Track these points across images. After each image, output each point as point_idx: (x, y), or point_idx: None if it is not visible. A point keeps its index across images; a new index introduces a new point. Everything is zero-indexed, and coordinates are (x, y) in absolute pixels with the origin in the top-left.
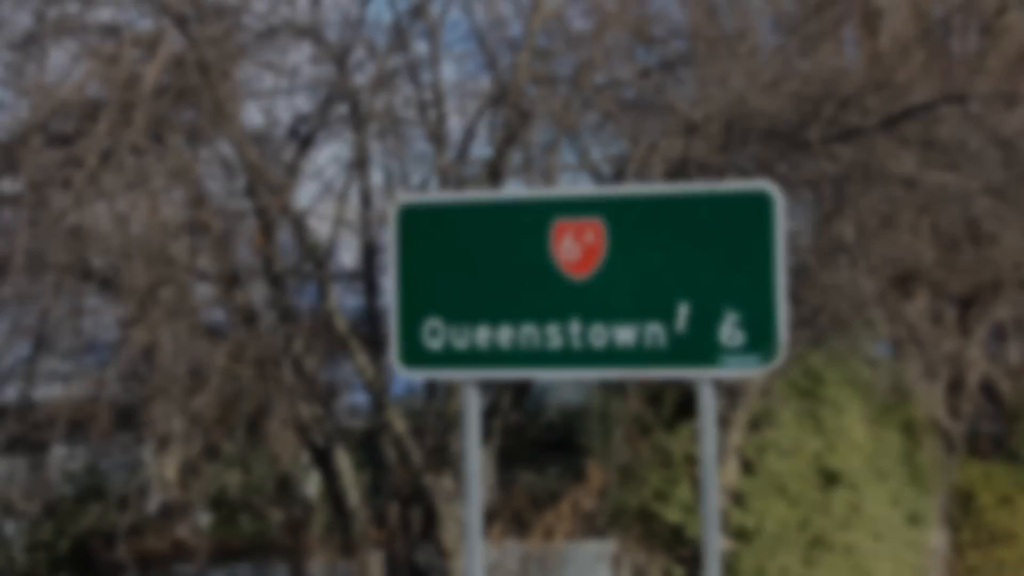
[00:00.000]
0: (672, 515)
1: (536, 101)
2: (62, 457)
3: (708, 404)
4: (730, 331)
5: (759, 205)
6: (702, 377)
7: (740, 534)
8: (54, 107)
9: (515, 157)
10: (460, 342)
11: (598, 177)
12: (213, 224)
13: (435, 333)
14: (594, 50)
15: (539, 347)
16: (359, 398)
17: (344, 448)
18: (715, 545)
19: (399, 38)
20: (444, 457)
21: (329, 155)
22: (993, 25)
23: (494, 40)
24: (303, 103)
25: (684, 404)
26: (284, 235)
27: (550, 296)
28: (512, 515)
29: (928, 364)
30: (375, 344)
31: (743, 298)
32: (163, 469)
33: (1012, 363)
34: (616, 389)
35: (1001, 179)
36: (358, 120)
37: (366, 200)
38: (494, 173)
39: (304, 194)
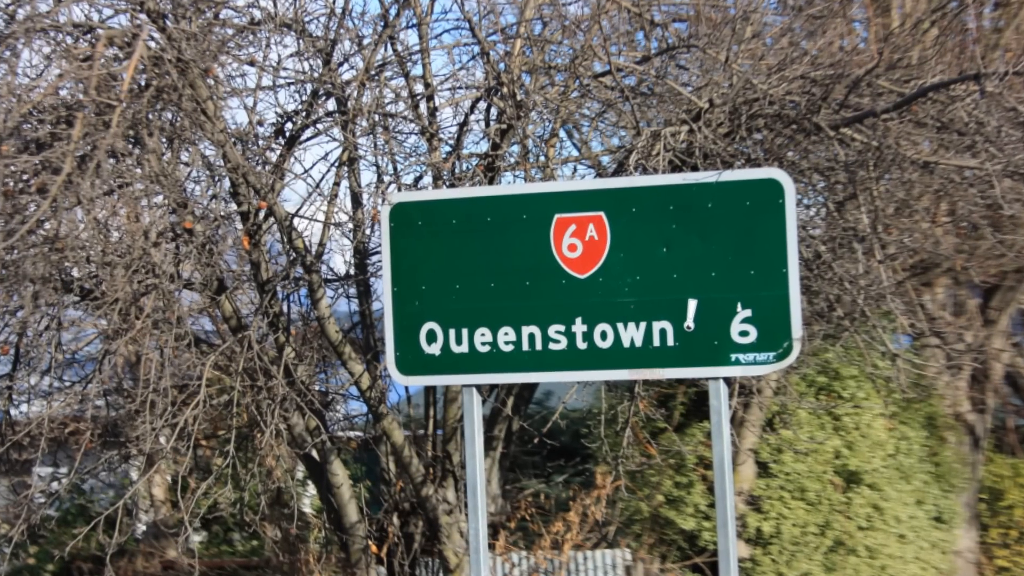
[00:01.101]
0: (686, 521)
1: (532, 91)
2: (45, 477)
3: (720, 404)
4: (741, 327)
5: (769, 194)
6: (713, 376)
7: (758, 539)
8: (27, 111)
9: (512, 151)
10: (459, 346)
11: (599, 169)
12: (197, 229)
13: (432, 337)
14: (591, 36)
15: (542, 349)
16: (355, 407)
17: (340, 460)
18: (732, 552)
19: (386, 29)
20: (445, 467)
21: (317, 154)
22: None
23: (486, 28)
24: (288, 100)
25: (695, 405)
26: (271, 239)
27: (552, 295)
28: (518, 526)
29: (950, 356)
30: (370, 350)
31: (754, 292)
32: (151, 487)
33: None
34: (624, 391)
35: (1022, 160)
36: (346, 116)
37: (356, 200)
38: (490, 168)
39: (291, 195)
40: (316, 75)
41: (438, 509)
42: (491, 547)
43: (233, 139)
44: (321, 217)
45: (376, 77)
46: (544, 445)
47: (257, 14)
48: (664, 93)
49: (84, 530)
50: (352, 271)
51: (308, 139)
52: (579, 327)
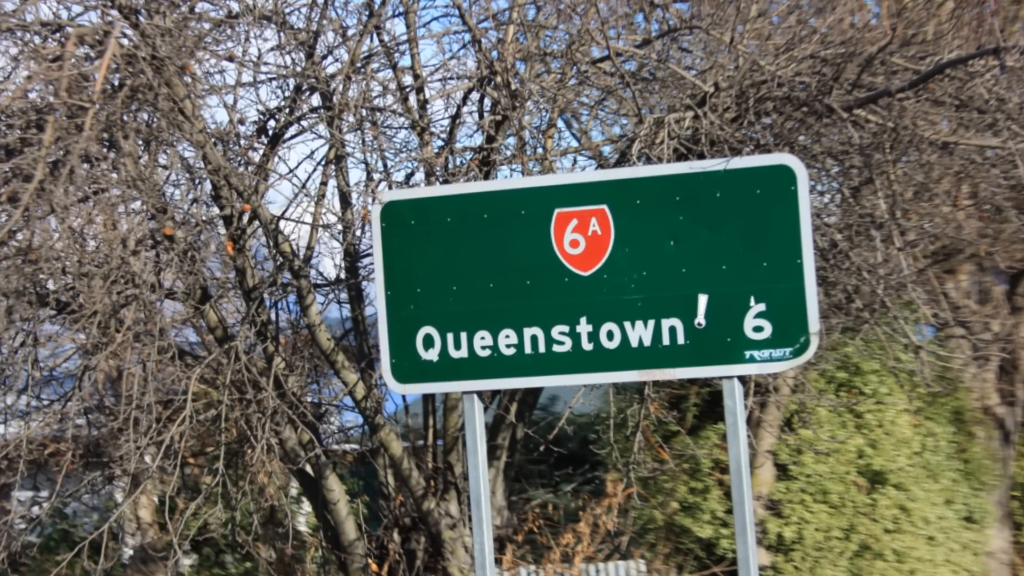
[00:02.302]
0: (703, 529)
1: (527, 80)
2: (25, 502)
3: (736, 404)
4: (755, 322)
5: (780, 181)
6: (727, 375)
7: (779, 546)
8: None
9: (508, 143)
10: (458, 351)
11: (600, 160)
12: (178, 235)
13: (430, 342)
14: (588, 20)
15: (546, 351)
16: (350, 419)
17: (336, 475)
18: (752, 560)
19: (372, 18)
20: (447, 479)
21: (302, 152)
22: None
23: (477, 15)
24: (270, 96)
25: (709, 406)
26: (257, 243)
27: (555, 295)
28: (526, 539)
29: (976, 347)
30: (364, 358)
31: (768, 285)
32: (137, 509)
33: None
34: (633, 393)
35: None
36: (331, 112)
37: (345, 199)
38: (485, 162)
39: (277, 197)
40: (299, 69)
41: (440, 523)
42: (497, 562)
43: (213, 139)
44: (308, 219)
45: (362, 69)
46: (551, 453)
47: (235, 6)
48: (667, 78)
49: (68, 556)
50: (343, 275)
51: (292, 137)
52: (584, 327)
